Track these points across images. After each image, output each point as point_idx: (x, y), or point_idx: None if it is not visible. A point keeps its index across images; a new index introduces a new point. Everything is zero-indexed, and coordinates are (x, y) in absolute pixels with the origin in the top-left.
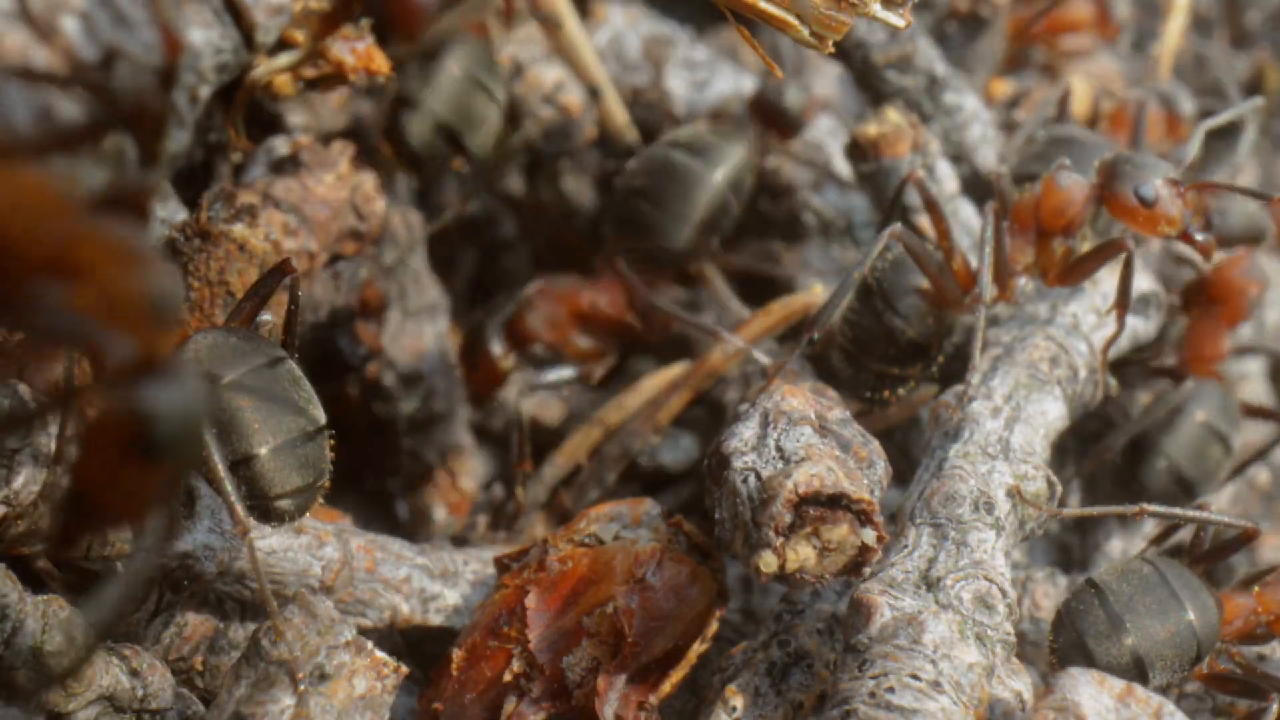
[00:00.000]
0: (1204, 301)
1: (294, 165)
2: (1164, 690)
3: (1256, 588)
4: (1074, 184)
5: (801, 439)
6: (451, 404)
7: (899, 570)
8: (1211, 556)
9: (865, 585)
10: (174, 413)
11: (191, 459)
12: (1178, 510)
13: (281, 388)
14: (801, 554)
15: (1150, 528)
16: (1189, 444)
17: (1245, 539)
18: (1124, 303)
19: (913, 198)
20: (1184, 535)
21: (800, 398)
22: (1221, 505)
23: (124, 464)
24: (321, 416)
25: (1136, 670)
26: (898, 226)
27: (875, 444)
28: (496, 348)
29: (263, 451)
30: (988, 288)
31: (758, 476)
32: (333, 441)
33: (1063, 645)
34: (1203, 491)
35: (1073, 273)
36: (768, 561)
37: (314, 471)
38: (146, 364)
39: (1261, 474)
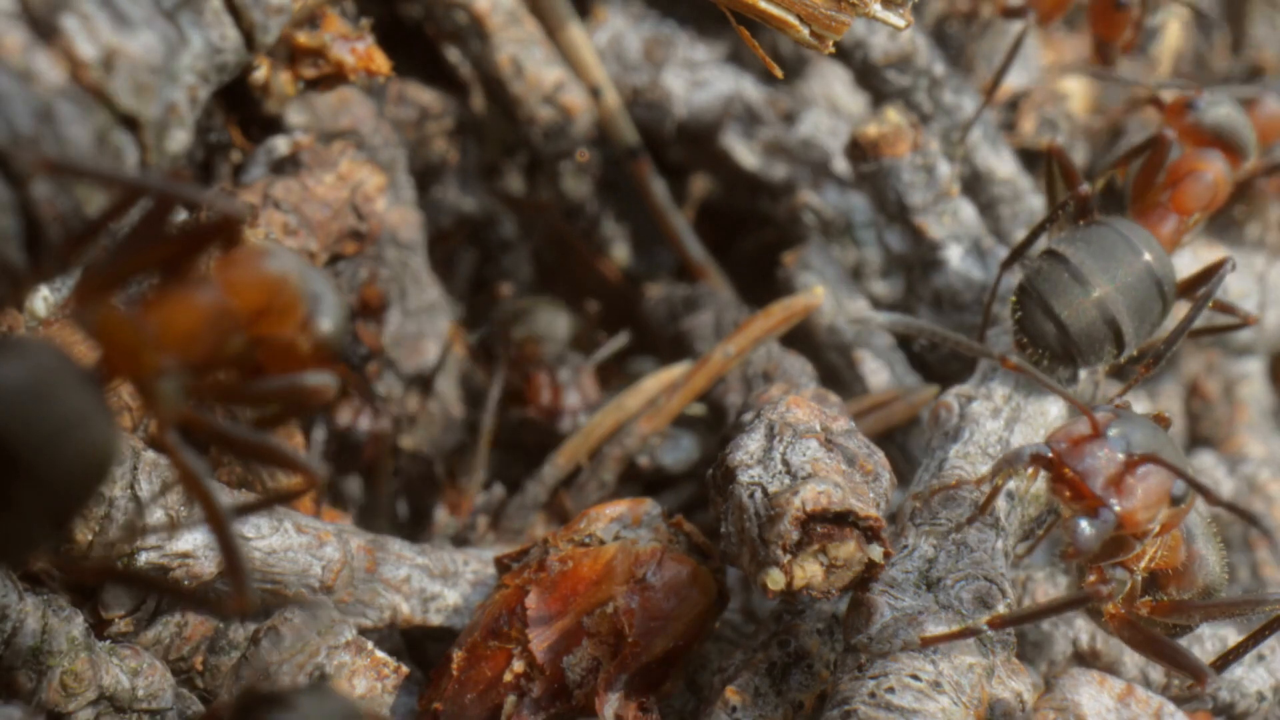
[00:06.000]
0: None
1: (294, 165)
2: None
3: None
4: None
5: (808, 453)
6: (451, 404)
7: (899, 570)
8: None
9: None
10: None
11: None
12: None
13: None
14: (809, 571)
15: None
16: None
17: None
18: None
19: (914, 197)
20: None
21: (805, 409)
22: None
23: None
24: None
25: None
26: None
27: (880, 455)
28: None
29: None
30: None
31: (764, 492)
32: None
33: None
34: None
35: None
36: (775, 579)
37: None
38: None
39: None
